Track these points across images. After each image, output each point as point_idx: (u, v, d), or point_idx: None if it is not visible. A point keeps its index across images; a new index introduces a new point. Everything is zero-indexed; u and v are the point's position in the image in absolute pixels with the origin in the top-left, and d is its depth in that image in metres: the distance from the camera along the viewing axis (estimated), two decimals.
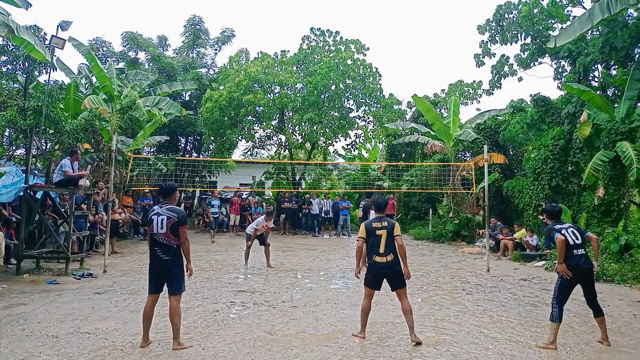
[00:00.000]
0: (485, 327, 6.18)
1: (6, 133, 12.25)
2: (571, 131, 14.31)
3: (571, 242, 5.62)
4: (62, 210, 11.00)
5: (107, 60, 21.19)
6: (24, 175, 10.30)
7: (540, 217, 14.11)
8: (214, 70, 26.29)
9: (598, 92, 13.84)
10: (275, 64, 21.71)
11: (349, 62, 21.23)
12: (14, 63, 10.61)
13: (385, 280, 5.58)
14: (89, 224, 11.73)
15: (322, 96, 21.12)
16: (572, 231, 5.73)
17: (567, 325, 6.38)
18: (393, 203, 17.75)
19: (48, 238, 10.85)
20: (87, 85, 18.50)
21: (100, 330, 5.68)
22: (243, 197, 20.79)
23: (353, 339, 5.58)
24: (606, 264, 10.41)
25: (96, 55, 18.59)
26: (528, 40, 17.55)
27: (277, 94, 21.14)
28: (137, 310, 6.69)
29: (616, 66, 14.68)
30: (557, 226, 5.79)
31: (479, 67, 19.47)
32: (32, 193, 10.05)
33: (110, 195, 10.92)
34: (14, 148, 13.80)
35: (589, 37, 15.09)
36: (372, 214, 9.13)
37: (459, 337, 5.74)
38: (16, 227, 10.25)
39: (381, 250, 5.44)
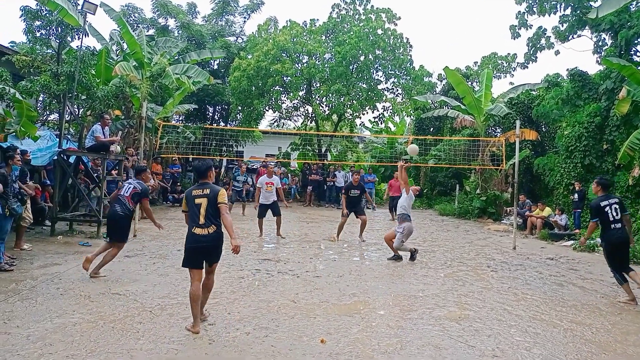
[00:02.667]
0: (509, 305, 6.14)
1: (40, 98, 12.51)
2: (608, 108, 13.78)
3: (611, 218, 6.48)
4: (94, 175, 11.30)
5: (138, 27, 21.27)
6: (58, 139, 10.57)
7: (571, 197, 13.79)
8: (243, 39, 26.12)
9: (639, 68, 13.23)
10: (304, 33, 21.43)
11: (380, 31, 20.76)
12: (48, 28, 10.72)
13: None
14: None
15: (351, 67, 20.82)
16: (615, 207, 6.53)
17: (594, 306, 6.29)
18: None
19: (81, 202, 11.19)
20: (118, 52, 18.65)
21: (131, 292, 5.87)
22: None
23: (375, 310, 5.63)
24: (638, 246, 10.15)
25: (127, 21, 18.67)
26: (568, 11, 16.76)
27: (305, 64, 20.92)
28: (165, 274, 6.90)
29: None
30: (603, 203, 6.57)
31: (514, 39, 18.79)
32: (65, 157, 10.32)
33: (140, 162, 11.12)
34: (48, 113, 14.12)
35: (633, 9, 14.33)
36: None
37: (482, 313, 5.72)
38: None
39: (201, 221, 4.72)
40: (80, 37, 10.92)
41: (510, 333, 5.05)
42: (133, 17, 23.36)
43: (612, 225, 6.49)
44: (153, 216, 7.17)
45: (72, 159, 10.75)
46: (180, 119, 24.19)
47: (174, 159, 18.18)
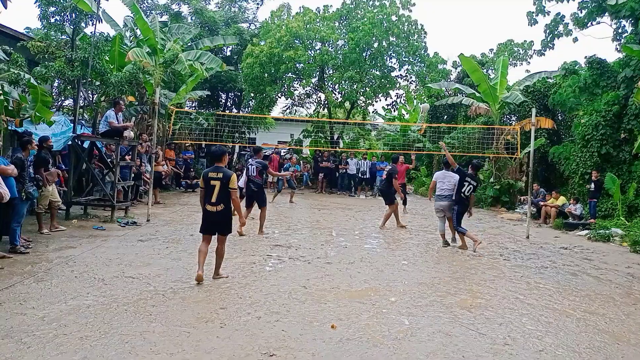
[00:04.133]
0: (521, 293, 6.09)
1: (55, 84, 12.61)
2: (627, 96, 13.49)
3: None
4: (108, 160, 11.40)
5: (151, 13, 21.29)
6: (72, 125, 10.66)
7: (587, 186, 13.61)
8: (255, 25, 26.05)
9: None
10: (317, 20, 21.28)
11: (394, 18, 20.55)
12: (62, 14, 10.76)
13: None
14: (133, 175, 12.12)
15: (364, 54, 20.66)
16: None
17: (608, 296, 6.22)
18: (407, 168, 15.12)
19: (95, 186, 11.31)
20: (131, 38, 18.70)
21: (144, 276, 5.94)
22: (282, 154, 20.93)
23: (386, 296, 5.62)
24: None
25: (140, 7, 18.69)
26: None
27: (318, 51, 20.82)
28: (178, 258, 6.96)
29: None
30: None
31: (531, 25, 18.47)
32: (79, 142, 10.42)
33: (153, 148, 11.19)
34: (62, 98, 14.25)
35: None
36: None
37: (494, 301, 5.69)
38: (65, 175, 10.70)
39: (213, 199, 5.71)
40: (94, 23, 10.96)
41: (522, 322, 5.01)
42: (146, 3, 23.40)
43: None
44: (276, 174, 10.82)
45: (86, 144, 10.85)
46: (193, 105, 24.27)
47: (187, 145, 18.29)
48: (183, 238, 8.50)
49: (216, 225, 5.86)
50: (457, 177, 8.83)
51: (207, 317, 4.64)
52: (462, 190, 8.70)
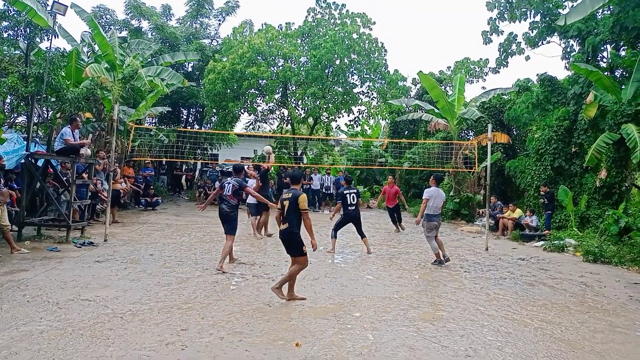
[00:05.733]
0: (481, 305, 6.23)
1: (7, 100, 12.17)
2: (576, 112, 14.17)
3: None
4: (64, 178, 11.02)
5: (110, 29, 20.90)
6: (25, 142, 10.27)
7: (540, 200, 14.10)
8: (217, 42, 25.97)
9: (606, 73, 13.64)
10: (280, 37, 21.43)
11: (355, 36, 20.93)
12: (16, 29, 10.47)
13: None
14: (90, 194, 11.75)
15: (326, 71, 20.91)
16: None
17: (563, 305, 6.43)
18: (397, 193, 14.10)
19: (49, 206, 10.89)
20: (89, 54, 18.31)
21: (101, 298, 5.74)
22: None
23: (350, 312, 5.63)
24: (605, 246, 10.45)
25: (99, 23, 18.33)
26: (537, 18, 17.18)
27: (281, 67, 20.93)
28: (137, 279, 6.77)
29: (626, 47, 14.43)
30: None
31: (486, 44, 19.11)
32: (33, 161, 10.04)
33: (111, 165, 10.91)
34: (15, 115, 13.74)
35: (599, 17, 14.79)
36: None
37: (455, 313, 5.79)
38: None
39: (281, 218, 5.99)
40: (50, 38, 10.71)
41: (483, 333, 5.12)
42: (105, 19, 22.97)
43: None
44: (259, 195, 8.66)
45: (40, 162, 10.46)
46: (154, 121, 23.86)
47: (146, 162, 17.89)
48: (142, 258, 8.28)
49: (284, 244, 6.06)
50: (443, 193, 9.11)
51: (167, 339, 4.52)
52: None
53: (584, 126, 13.75)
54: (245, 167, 9.17)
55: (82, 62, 15.63)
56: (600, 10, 14.22)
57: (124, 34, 22.41)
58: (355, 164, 22.27)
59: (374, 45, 21.39)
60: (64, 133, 9.76)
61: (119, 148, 15.61)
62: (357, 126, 25.17)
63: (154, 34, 23.00)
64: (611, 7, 13.60)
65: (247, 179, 11.08)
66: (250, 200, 15.15)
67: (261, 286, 6.68)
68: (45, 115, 14.22)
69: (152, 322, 4.96)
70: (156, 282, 6.62)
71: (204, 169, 22.65)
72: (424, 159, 18.80)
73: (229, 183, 7.93)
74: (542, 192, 13.73)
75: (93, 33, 15.95)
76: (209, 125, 25.63)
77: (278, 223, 6.09)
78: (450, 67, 26.86)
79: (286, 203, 5.91)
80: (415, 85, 25.49)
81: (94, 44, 17.21)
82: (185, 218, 14.06)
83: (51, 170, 11.02)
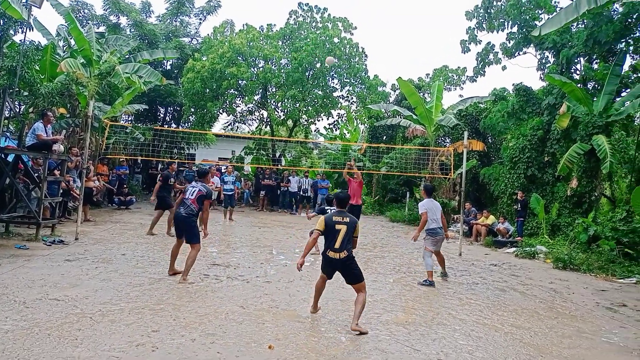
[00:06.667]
0: (453, 309, 6.31)
1: None
2: (550, 122, 14.52)
3: None
4: (35, 175, 10.74)
5: (87, 24, 20.56)
6: None
7: (514, 207, 14.38)
8: (197, 40, 25.73)
9: (579, 85, 14.04)
10: (261, 38, 21.36)
11: (336, 40, 21.01)
12: None
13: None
14: (61, 191, 11.48)
15: (307, 73, 20.92)
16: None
17: (533, 310, 6.56)
18: (361, 184, 11.68)
19: (19, 202, 10.60)
20: (65, 48, 17.90)
21: (70, 298, 5.60)
22: (222, 171, 20.60)
23: (325, 315, 5.64)
24: (574, 253, 10.72)
25: (76, 17, 17.99)
26: (514, 29, 17.60)
27: (261, 69, 20.85)
28: (108, 278, 6.63)
29: (598, 60, 14.88)
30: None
31: (464, 53, 19.50)
32: (3, 156, 9.76)
33: (85, 162, 10.68)
34: None
35: (574, 30, 15.21)
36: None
37: (428, 317, 5.85)
38: None
39: (336, 245, 5.25)
40: (24, 30, 10.43)
41: (455, 337, 5.18)
42: (82, 13, 22.54)
43: None
44: (208, 220, 7.33)
45: (10, 157, 10.18)
46: (130, 119, 23.48)
47: (121, 160, 17.59)
48: (114, 257, 8.12)
49: (345, 272, 5.36)
50: (438, 204, 8.39)
51: (138, 340, 4.44)
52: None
53: (556, 136, 14.10)
54: (223, 168, 8.96)
55: (57, 56, 15.29)
56: (575, 24, 14.62)
57: (102, 29, 22.01)
58: (333, 167, 22.32)
59: (355, 50, 21.51)
60: (36, 128, 9.52)
61: (93, 145, 15.31)
62: (336, 130, 25.26)
63: (132, 30, 22.66)
64: (585, 21, 13.99)
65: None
66: (228, 191, 15.13)
67: (236, 288, 6.63)
68: (17, 110, 13.85)
69: (122, 323, 4.87)
70: (128, 282, 6.50)
71: (180, 168, 22.36)
72: (401, 164, 18.98)
73: (193, 187, 7.12)
74: (519, 198, 14.00)
75: (69, 27, 15.63)
76: (186, 124, 25.34)
77: (325, 245, 5.36)
78: (429, 74, 27.27)
79: (342, 228, 5.27)
80: (395, 91, 25.76)
81: (70, 39, 16.86)
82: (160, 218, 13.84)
83: (22, 166, 10.74)
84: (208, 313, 5.40)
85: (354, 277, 5.34)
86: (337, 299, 6.41)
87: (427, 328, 5.41)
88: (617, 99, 13.48)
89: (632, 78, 14.10)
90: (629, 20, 13.35)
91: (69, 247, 8.81)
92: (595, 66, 14.86)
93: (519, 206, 13.86)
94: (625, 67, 13.71)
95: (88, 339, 4.39)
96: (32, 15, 10.93)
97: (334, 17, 21.78)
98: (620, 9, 13.53)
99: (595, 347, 5.24)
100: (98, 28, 21.59)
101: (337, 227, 5.27)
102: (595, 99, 13.27)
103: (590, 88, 15.03)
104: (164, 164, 22.24)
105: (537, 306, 6.86)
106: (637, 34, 13.72)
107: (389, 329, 5.29)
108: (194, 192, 7.04)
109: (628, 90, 13.57)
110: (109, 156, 16.91)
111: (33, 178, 10.77)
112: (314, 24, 21.92)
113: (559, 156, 13.76)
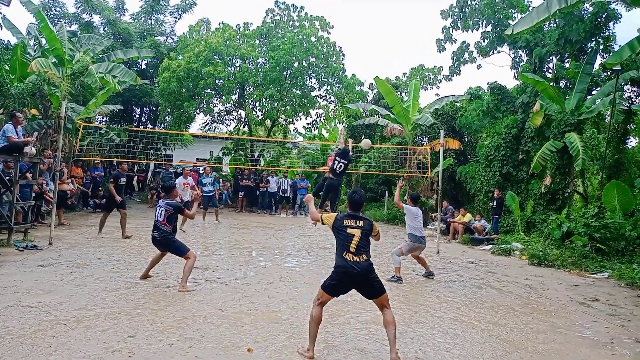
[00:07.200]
0: (432, 307, 6.39)
1: None
2: (524, 120, 14.79)
3: None
4: (6, 178, 10.45)
5: (59, 22, 20.08)
6: None
7: (490, 204, 14.61)
8: (173, 39, 25.45)
9: (551, 84, 14.34)
10: (237, 36, 21.21)
11: (313, 39, 21.02)
12: None
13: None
14: (34, 194, 11.21)
15: (284, 73, 20.87)
16: None
17: (509, 307, 6.68)
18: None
19: None
20: (35, 47, 17.49)
21: (44, 304, 5.48)
22: (200, 171, 20.41)
23: (304, 316, 5.63)
24: (548, 250, 10.94)
25: (47, 15, 17.59)
26: (489, 28, 17.89)
27: (238, 68, 20.72)
28: (83, 284, 6.50)
29: (570, 59, 15.22)
30: None
31: (440, 52, 19.75)
32: None
33: (58, 165, 10.45)
34: None
35: (546, 29, 15.54)
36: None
37: (406, 316, 5.90)
38: None
39: (352, 249, 4.53)
40: None
41: (432, 335, 5.24)
42: (54, 11, 22.10)
43: None
44: (195, 213, 7.31)
45: None
46: (104, 120, 23.07)
47: (95, 162, 17.27)
48: (89, 262, 7.97)
49: (364, 284, 4.56)
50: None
51: (114, 346, 4.36)
52: None
53: (530, 134, 14.38)
54: (201, 169, 8.83)
55: (28, 55, 14.93)
56: (547, 23, 14.93)
57: (74, 28, 21.56)
58: (312, 167, 22.32)
59: (332, 49, 21.55)
60: (7, 130, 9.27)
61: (67, 147, 15.01)
62: (314, 129, 25.28)
63: (106, 29, 22.28)
64: (557, 20, 14.30)
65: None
66: (207, 192, 14.74)
67: (214, 291, 6.57)
68: None
69: (98, 329, 4.78)
70: (103, 287, 6.39)
71: (157, 170, 22.07)
72: (380, 164, 19.10)
73: (159, 207, 6.74)
74: (495, 196, 14.23)
75: (40, 25, 15.23)
76: (162, 125, 25.01)
77: (339, 250, 4.62)
78: (405, 73, 27.49)
79: (356, 232, 4.55)
80: (372, 90, 25.89)
81: (41, 37, 16.46)
82: (136, 221, 13.63)
83: None
84: (186, 317, 5.34)
85: (377, 289, 4.55)
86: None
87: (406, 326, 5.46)
88: (588, 97, 13.83)
89: (603, 76, 14.47)
90: (599, 19, 13.70)
91: (42, 252, 8.61)
92: (567, 65, 15.20)
93: (495, 204, 14.10)
94: (596, 65, 14.07)
95: (62, 346, 4.30)
96: (1, 13, 10.64)
97: (310, 15, 21.79)
98: (590, 9, 13.88)
99: (569, 341, 5.36)
100: (70, 27, 21.16)
101: (350, 231, 4.58)
102: (567, 97, 13.57)
103: (563, 86, 15.37)
104: (140, 166, 21.98)
105: (513, 302, 6.98)
106: (607, 33, 14.09)
107: (368, 329, 5.31)
108: (161, 213, 6.69)
109: (598, 88, 13.92)
110: (83, 158, 16.58)
111: (4, 181, 10.47)
112: (291, 22, 21.89)
113: (533, 154, 14.03)
